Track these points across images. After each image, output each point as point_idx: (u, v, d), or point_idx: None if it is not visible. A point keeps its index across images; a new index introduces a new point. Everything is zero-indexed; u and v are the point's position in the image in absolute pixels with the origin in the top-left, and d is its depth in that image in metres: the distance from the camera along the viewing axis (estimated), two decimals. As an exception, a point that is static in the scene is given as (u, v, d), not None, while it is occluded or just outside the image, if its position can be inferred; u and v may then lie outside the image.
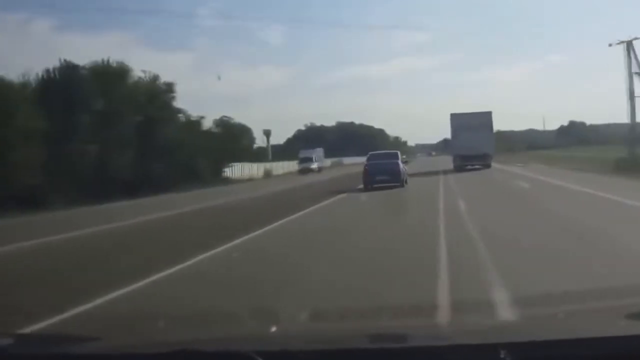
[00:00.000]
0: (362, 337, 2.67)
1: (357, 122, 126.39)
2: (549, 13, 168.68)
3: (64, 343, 2.73)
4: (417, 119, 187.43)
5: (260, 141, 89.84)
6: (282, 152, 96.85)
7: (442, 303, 5.34)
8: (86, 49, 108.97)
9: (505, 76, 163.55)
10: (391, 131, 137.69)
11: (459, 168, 35.84)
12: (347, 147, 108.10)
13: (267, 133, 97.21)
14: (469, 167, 35.82)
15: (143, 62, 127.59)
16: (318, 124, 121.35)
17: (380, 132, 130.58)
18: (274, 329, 4.06)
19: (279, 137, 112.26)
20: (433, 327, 3.38)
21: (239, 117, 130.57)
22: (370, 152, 26.92)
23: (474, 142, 34.96)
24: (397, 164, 23.96)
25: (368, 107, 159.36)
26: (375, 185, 22.93)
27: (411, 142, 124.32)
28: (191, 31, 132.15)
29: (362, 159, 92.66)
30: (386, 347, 2.26)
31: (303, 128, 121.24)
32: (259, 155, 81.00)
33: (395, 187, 22.68)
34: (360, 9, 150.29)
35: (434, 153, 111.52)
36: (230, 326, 4.79)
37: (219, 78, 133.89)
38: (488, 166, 35.96)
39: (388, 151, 28.98)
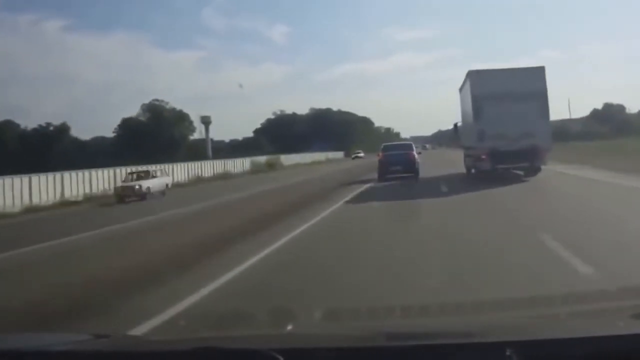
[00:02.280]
0: (374, 335, 2.69)
1: (335, 108, 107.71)
2: (548, 9, 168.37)
3: (82, 340, 2.62)
4: (412, 112, 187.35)
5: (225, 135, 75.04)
6: (246, 146, 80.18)
7: (448, 302, 5.29)
8: (95, 49, 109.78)
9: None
10: (384, 123, 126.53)
11: (486, 173, 20.05)
12: (321, 137, 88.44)
13: (206, 120, 71.04)
14: (500, 169, 19.92)
15: (151, 61, 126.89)
16: (289, 111, 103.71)
17: (364, 120, 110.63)
18: (290, 327, 4.06)
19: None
20: (440, 325, 3.38)
21: (236, 113, 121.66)
22: (384, 144, 27.15)
23: (515, 124, 19.11)
24: (412, 154, 24.35)
25: (363, 101, 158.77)
26: (389, 176, 23.43)
27: (406, 134, 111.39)
28: (197, 31, 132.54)
29: (334, 154, 65.14)
30: (395, 345, 2.29)
31: (272, 117, 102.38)
32: (200, 150, 60.60)
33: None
34: (360, 7, 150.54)
35: (427, 146, 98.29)
36: (247, 325, 4.81)
37: (241, 86, 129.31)
38: (536, 170, 19.90)
39: (402, 142, 30.59)
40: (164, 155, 50.95)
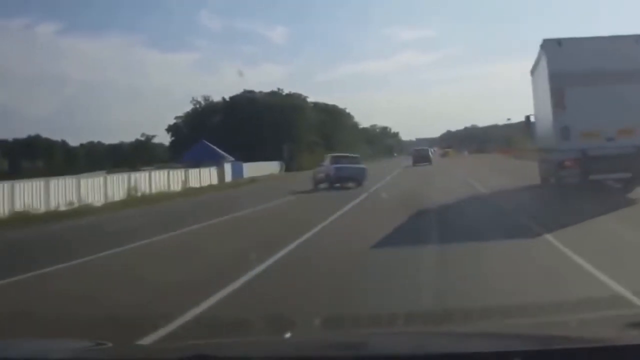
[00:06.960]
0: (375, 344, 2.61)
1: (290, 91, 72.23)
2: (555, 6, 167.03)
3: (79, 348, 2.61)
4: (417, 112, 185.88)
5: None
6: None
7: (453, 308, 5.19)
8: (90, 52, 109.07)
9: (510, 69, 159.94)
10: (387, 123, 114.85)
11: (569, 186, 14.65)
12: (254, 135, 56.30)
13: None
14: (592, 181, 14.56)
15: (147, 63, 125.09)
16: (216, 99, 71.60)
17: (334, 110, 75.28)
18: (287, 335, 4.05)
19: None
20: (446, 334, 3.24)
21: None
22: (413, 149, 55.31)
23: (611, 116, 13.97)
24: (429, 152, 54.12)
25: (365, 101, 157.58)
26: (417, 164, 47.29)
27: (411, 137, 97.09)
28: (194, 32, 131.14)
29: (259, 167, 46.21)
30: (397, 355, 2.22)
31: (193, 106, 71.03)
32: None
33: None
34: (362, 6, 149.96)
35: (432, 150, 67.21)
36: (244, 332, 4.79)
37: (241, 74, 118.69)
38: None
39: (423, 147, 55.58)
40: None
